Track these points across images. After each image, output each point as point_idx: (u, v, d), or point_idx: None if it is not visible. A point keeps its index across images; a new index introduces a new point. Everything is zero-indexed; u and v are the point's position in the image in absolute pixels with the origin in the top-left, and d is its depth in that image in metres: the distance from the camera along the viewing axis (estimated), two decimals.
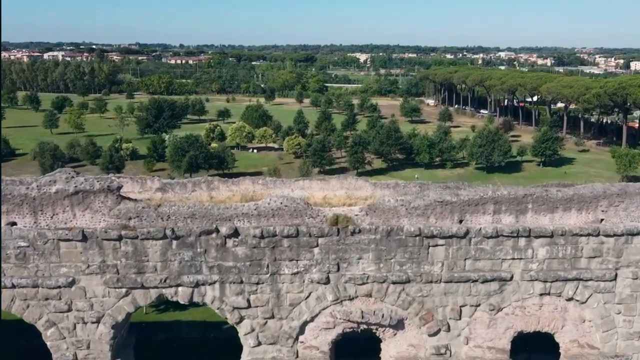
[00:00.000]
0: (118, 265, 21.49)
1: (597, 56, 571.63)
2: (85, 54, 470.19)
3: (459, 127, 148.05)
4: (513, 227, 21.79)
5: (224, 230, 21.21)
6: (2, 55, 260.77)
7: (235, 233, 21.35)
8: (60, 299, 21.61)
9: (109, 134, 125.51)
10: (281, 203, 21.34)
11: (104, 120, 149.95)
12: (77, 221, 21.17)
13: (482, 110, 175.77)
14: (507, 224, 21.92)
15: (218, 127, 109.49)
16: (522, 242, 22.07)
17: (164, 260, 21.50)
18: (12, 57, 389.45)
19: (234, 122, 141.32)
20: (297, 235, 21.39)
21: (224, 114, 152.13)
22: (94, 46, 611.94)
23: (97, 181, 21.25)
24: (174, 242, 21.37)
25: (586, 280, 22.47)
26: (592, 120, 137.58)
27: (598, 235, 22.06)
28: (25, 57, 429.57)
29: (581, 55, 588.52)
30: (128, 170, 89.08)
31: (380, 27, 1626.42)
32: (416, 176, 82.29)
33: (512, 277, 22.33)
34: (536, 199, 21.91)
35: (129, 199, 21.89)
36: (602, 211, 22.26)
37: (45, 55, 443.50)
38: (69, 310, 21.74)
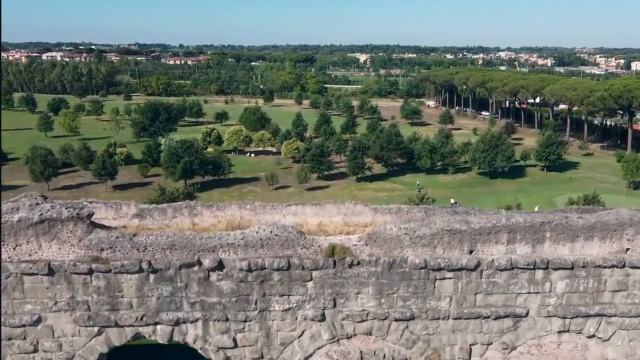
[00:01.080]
0: (89, 301, 19.32)
1: (597, 56, 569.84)
2: (84, 54, 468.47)
3: (460, 129, 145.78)
4: (529, 258, 19.62)
5: (207, 262, 19.03)
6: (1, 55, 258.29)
7: (220, 265, 19.18)
8: (25, 338, 19.44)
9: (105, 137, 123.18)
10: (271, 232, 19.14)
11: (100, 122, 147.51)
12: (43, 253, 19.02)
13: (483, 112, 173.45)
14: (523, 255, 19.75)
15: (215, 131, 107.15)
16: (539, 274, 19.91)
17: (140, 295, 19.33)
18: (11, 58, 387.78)
19: (232, 125, 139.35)
20: (289, 268, 19.22)
21: (222, 116, 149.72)
22: (93, 46, 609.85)
23: (66, 208, 19.05)
24: (152, 276, 19.19)
25: (610, 316, 20.31)
26: (595, 122, 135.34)
27: (623, 266, 19.89)
28: (23, 57, 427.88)
29: (581, 55, 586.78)
30: (122, 175, 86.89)
31: (380, 27, 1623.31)
32: (418, 182, 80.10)
33: (527, 313, 20.17)
34: (555, 227, 19.72)
35: (102, 226, 19.69)
36: (628, 240, 20.08)
37: (44, 56, 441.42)
38: (35, 351, 19.58)
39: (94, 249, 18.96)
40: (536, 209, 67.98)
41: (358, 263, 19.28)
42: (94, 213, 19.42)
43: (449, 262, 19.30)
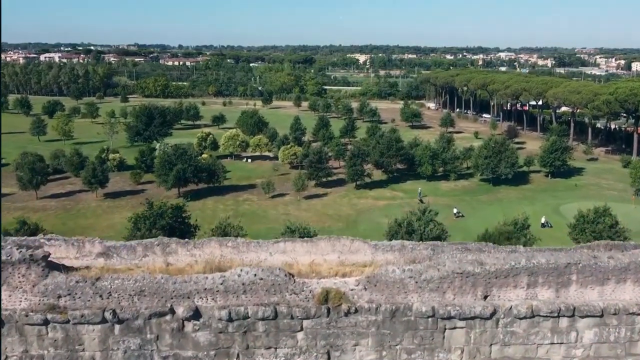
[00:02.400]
0: (45, 356, 16.69)
1: (597, 57, 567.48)
2: (82, 55, 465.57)
3: (461, 132, 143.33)
4: (553, 304, 17.02)
5: (181, 311, 16.43)
6: None
7: (196, 314, 16.57)
8: None
9: (98, 142, 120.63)
10: (255, 275, 16.53)
11: (95, 125, 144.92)
12: None
13: (484, 115, 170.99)
14: (545, 301, 17.14)
15: (210, 136, 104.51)
16: (563, 322, 17.30)
17: (104, 349, 16.71)
18: (8, 59, 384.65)
19: (230, 128, 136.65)
20: (276, 317, 16.61)
21: (219, 119, 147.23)
22: (92, 47, 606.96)
23: (18, 248, 16.44)
24: (117, 327, 16.57)
25: None
26: (599, 125, 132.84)
27: None
28: (21, 58, 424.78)
29: (581, 56, 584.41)
30: (114, 183, 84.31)
31: (380, 27, 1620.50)
32: (419, 191, 77.46)
33: None
34: (582, 269, 17.11)
35: (60, 268, 17.08)
36: None
37: (42, 57, 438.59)
38: None
39: (50, 295, 16.38)
40: (542, 219, 65.51)
41: (356, 311, 16.71)
42: (50, 254, 16.81)
43: (460, 309, 16.74)
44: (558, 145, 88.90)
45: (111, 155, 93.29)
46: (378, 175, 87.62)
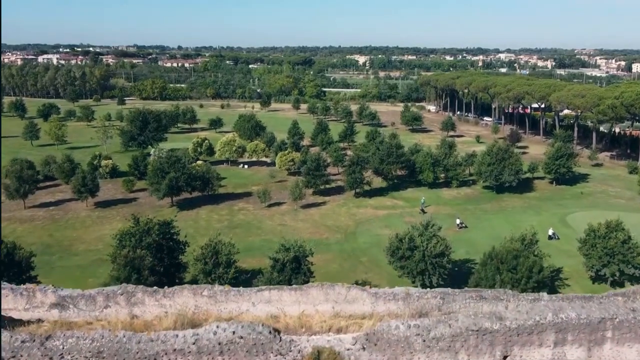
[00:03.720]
0: None
1: (597, 58, 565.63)
2: (80, 57, 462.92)
3: (462, 136, 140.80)
4: None
5: None
6: None
7: None
8: None
9: (92, 146, 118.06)
10: (234, 333, 14.01)
11: (90, 129, 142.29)
12: None
13: (485, 118, 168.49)
14: None
15: (206, 142, 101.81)
16: None
17: None
18: (6, 60, 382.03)
19: (227, 132, 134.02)
20: None
21: (216, 123, 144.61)
22: (90, 48, 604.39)
23: None
24: None
25: None
26: (602, 129, 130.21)
27: None
28: (19, 60, 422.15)
29: (581, 57, 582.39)
30: (106, 190, 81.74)
31: (380, 28, 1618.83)
32: (422, 200, 74.74)
33: None
34: (619, 325, 14.61)
35: (5, 323, 14.55)
36: None
37: (40, 58, 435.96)
38: None
39: None
40: (549, 231, 62.87)
41: None
42: None
43: None
44: (563, 151, 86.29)
45: (103, 162, 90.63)
46: (378, 182, 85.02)
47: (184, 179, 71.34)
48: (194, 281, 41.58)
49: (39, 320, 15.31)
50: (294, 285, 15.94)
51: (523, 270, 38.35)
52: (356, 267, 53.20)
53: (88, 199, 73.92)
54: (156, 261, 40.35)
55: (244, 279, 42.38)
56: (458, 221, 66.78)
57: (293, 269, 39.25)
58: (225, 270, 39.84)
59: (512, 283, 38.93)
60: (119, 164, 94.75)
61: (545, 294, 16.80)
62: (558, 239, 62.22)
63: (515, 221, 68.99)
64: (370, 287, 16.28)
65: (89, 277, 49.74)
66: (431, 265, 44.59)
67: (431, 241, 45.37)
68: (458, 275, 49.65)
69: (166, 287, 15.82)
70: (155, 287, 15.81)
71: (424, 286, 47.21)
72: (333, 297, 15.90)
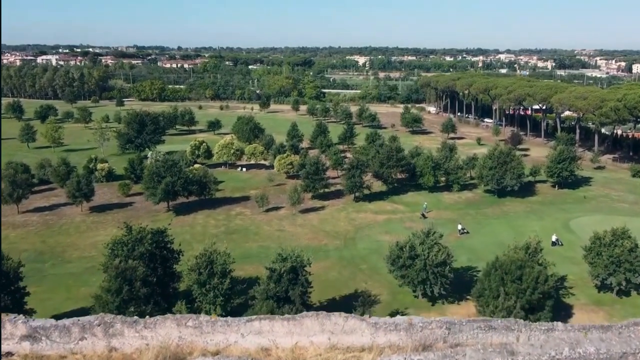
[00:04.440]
0: None
1: (597, 58, 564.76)
2: (79, 57, 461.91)
3: (463, 138, 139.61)
4: None
5: None
6: None
7: None
8: None
9: (89, 149, 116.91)
10: None
11: (88, 131, 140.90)
12: None
13: (486, 119, 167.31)
14: None
15: (204, 144, 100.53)
16: None
17: None
18: (5, 61, 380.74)
19: (226, 134, 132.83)
20: None
21: (214, 125, 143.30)
22: (90, 49, 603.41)
23: None
24: None
25: None
26: (604, 130, 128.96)
27: None
28: (18, 60, 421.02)
29: (581, 58, 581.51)
30: (102, 194, 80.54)
31: (379, 29, 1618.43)
32: (424, 205, 73.37)
33: None
34: None
35: None
36: None
37: (39, 59, 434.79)
38: None
39: None
40: (553, 237, 61.62)
41: None
42: None
43: None
44: (565, 154, 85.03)
45: (99, 165, 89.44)
46: (377, 186, 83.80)
47: (180, 184, 70.13)
48: (188, 292, 40.37)
49: (9, 354, 14.08)
50: (286, 315, 14.68)
51: (529, 280, 37.12)
52: (356, 275, 51.95)
53: (83, 204, 72.68)
54: (149, 271, 39.08)
55: (240, 290, 41.13)
56: (460, 227, 65.57)
57: (290, 280, 38.01)
58: (221, 281, 38.58)
59: (517, 294, 37.72)
60: (116, 167, 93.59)
61: (559, 323, 15.54)
62: (562, 245, 61.01)
63: (517, 226, 67.81)
64: (370, 317, 15.01)
65: (82, 286, 48.56)
66: (433, 275, 43.34)
67: (432, 249, 44.14)
68: (460, 284, 48.43)
69: (147, 317, 14.57)
70: (135, 317, 14.55)
71: (425, 296, 46.03)
72: (329, 328, 14.64)
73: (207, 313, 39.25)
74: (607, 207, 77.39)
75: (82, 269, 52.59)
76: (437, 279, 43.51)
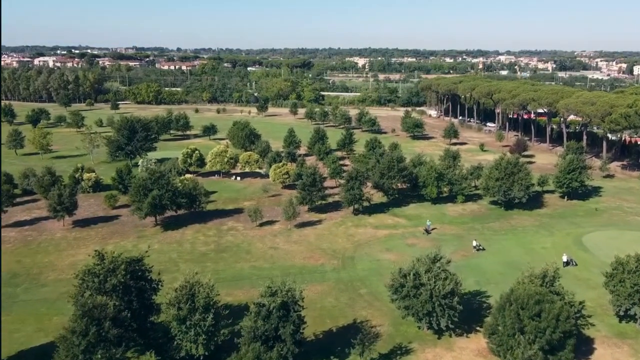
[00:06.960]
0: None
1: (598, 60, 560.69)
2: (76, 59, 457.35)
3: (465, 144, 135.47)
4: None
5: None
6: None
7: None
8: None
9: (78, 156, 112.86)
10: None
11: (80, 136, 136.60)
12: None
13: (489, 124, 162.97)
14: None
15: (196, 152, 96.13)
16: None
17: None
18: (3, 63, 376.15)
19: (221, 139, 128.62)
20: None
21: (209, 130, 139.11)
22: (88, 50, 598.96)
23: None
24: None
25: None
26: (611, 137, 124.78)
27: None
28: (14, 62, 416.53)
29: (582, 59, 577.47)
30: (87, 207, 76.23)
31: (379, 30, 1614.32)
32: (428, 223, 68.92)
33: None
34: None
35: None
36: None
37: (36, 61, 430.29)
38: None
39: None
40: (564, 257, 57.29)
41: None
42: None
43: None
44: (575, 164, 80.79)
45: (86, 175, 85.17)
46: (378, 197, 79.61)
47: (168, 197, 65.86)
48: (167, 328, 36.10)
49: None
50: None
51: (549, 318, 32.92)
52: (355, 302, 47.68)
53: (65, 218, 68.39)
54: (123, 305, 34.89)
55: (225, 324, 36.81)
56: (475, 243, 61.46)
57: (280, 317, 33.79)
58: (203, 316, 34.28)
59: (536, 333, 33.53)
60: (105, 176, 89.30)
61: None
62: (576, 265, 56.84)
63: (527, 243, 63.62)
64: None
65: (55, 315, 44.38)
66: (439, 307, 39.08)
67: (439, 278, 39.89)
68: (468, 312, 44.16)
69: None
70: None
71: (431, 329, 41.79)
72: None
73: (188, 352, 35.09)
74: (620, 221, 73.23)
75: (57, 294, 48.27)
76: (444, 311, 39.25)
